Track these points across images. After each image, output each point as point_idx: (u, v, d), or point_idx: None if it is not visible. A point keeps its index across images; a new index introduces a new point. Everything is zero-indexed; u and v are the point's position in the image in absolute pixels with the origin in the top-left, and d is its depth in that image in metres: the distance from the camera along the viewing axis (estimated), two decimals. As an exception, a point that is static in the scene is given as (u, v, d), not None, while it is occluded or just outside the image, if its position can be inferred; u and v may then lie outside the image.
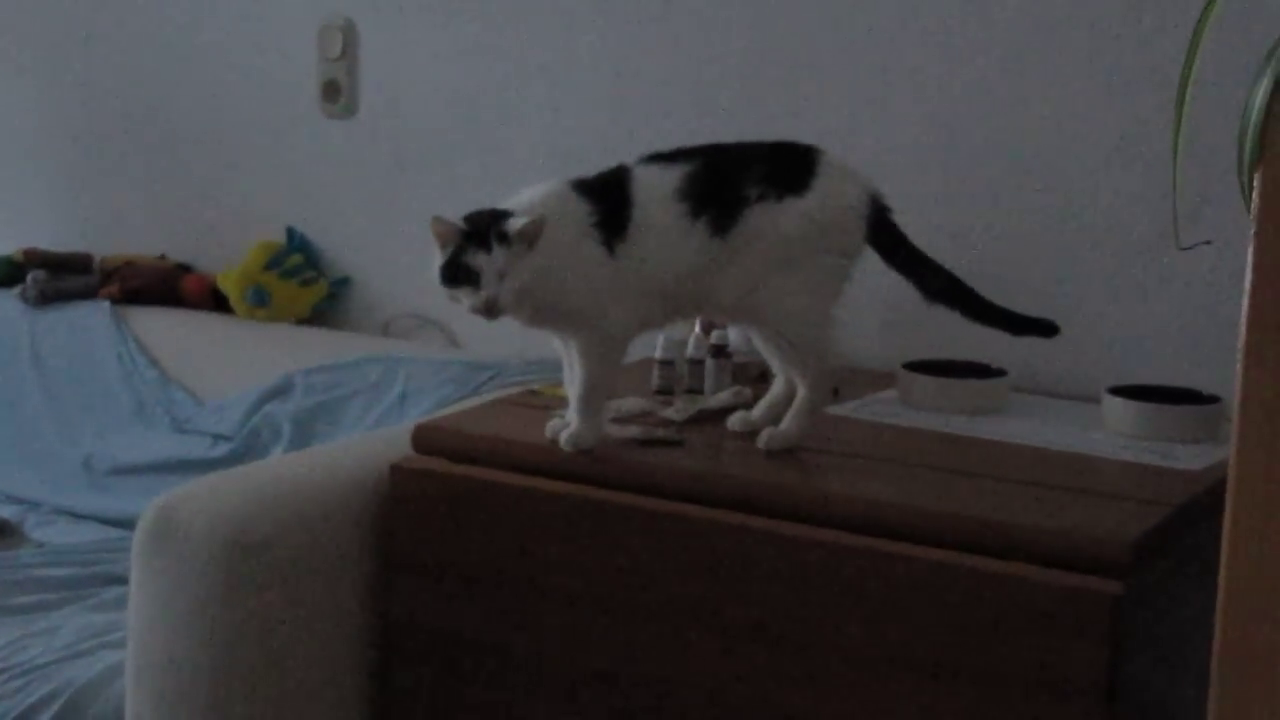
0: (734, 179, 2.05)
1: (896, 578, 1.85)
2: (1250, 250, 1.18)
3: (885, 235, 2.08)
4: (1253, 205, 1.19)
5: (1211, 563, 1.36)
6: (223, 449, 2.93)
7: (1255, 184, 1.19)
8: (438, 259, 2.01)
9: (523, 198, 2.08)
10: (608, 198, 2.07)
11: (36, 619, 2.52)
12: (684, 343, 2.44)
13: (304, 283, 3.22)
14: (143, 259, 3.42)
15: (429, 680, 2.17)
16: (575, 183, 2.09)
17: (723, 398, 2.33)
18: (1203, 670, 1.35)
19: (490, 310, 1.99)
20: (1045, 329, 2.11)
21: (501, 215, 2.01)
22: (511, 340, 2.38)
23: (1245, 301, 1.18)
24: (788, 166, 2.06)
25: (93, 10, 3.51)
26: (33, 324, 3.32)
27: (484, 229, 1.99)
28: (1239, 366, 1.19)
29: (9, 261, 3.45)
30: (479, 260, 1.98)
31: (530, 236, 1.99)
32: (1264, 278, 1.18)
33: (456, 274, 1.99)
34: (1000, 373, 2.42)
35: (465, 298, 2.00)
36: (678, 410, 2.26)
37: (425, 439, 2.21)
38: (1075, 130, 2.52)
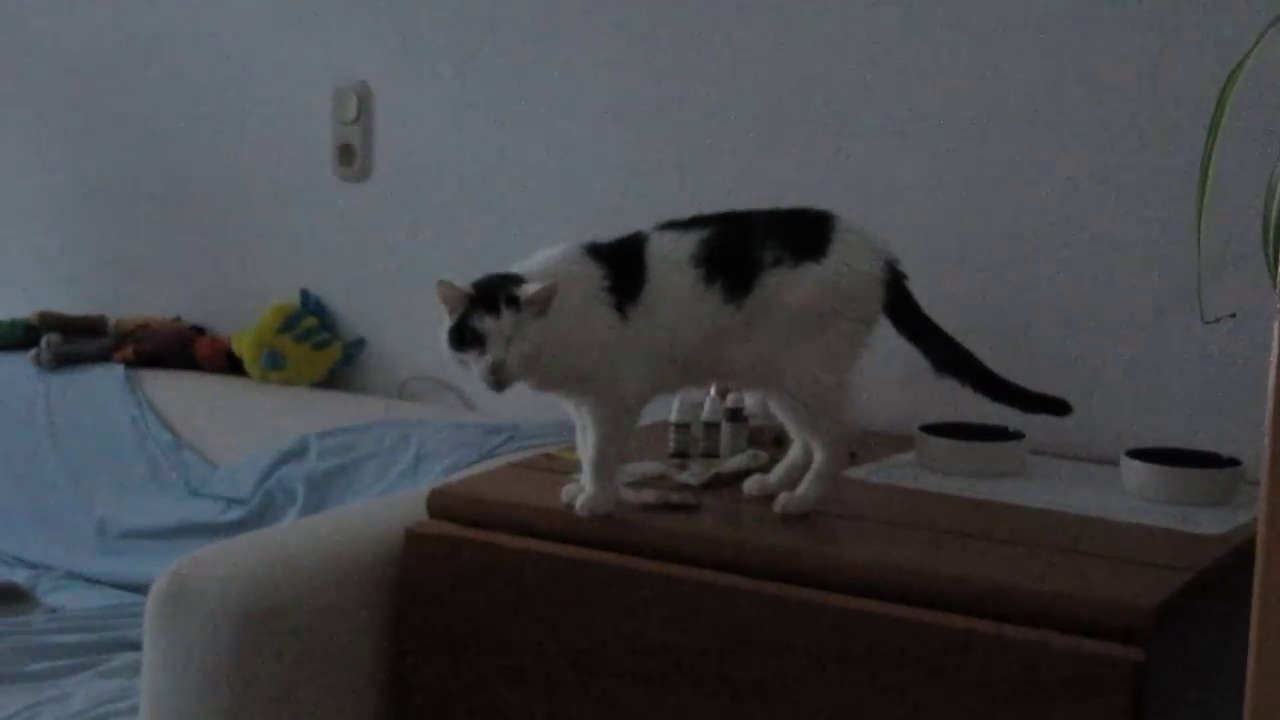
0: (750, 245, 2.04)
1: (914, 643, 1.84)
2: (1277, 324, 1.16)
3: (899, 303, 2.08)
4: (1278, 278, 1.18)
5: (1234, 628, 1.34)
6: (237, 513, 2.92)
7: (1281, 258, 1.19)
8: (445, 323, 2.01)
9: (535, 260, 2.07)
10: (622, 262, 2.06)
11: (48, 686, 2.50)
12: (700, 406, 2.44)
13: (318, 345, 3.22)
14: (157, 321, 3.43)
15: (444, 748, 2.15)
16: (589, 246, 2.09)
17: (739, 461, 2.32)
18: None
19: (497, 373, 1.98)
20: (1057, 407, 2.11)
21: (512, 279, 2.01)
22: (526, 403, 2.37)
23: (1272, 375, 1.16)
24: (804, 233, 2.05)
25: (107, 74, 3.53)
26: (47, 387, 3.31)
27: (493, 293, 1.98)
28: (1266, 439, 1.18)
29: (24, 325, 3.45)
30: (486, 325, 1.97)
31: (541, 303, 1.98)
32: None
33: (463, 338, 1.98)
34: (1018, 435, 2.40)
35: (472, 362, 1.99)
36: (693, 474, 2.25)
37: (440, 504, 2.20)
38: (1094, 194, 2.52)
